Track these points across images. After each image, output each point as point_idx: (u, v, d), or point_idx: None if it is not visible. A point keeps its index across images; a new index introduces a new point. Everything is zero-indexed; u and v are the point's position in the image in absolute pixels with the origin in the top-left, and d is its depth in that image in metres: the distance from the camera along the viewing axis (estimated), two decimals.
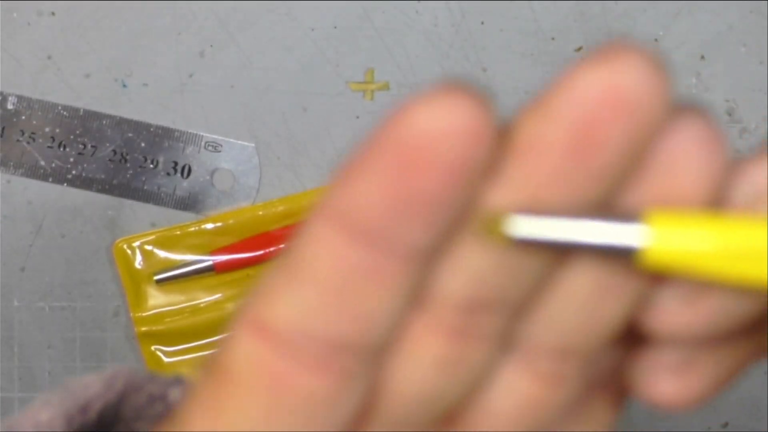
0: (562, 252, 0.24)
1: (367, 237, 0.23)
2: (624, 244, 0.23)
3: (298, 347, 0.25)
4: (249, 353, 0.25)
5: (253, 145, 0.70)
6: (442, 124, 0.22)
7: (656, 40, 0.70)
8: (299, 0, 0.70)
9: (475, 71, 0.68)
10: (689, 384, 0.27)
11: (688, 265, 0.23)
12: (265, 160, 0.70)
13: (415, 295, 0.25)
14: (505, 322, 0.25)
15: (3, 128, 0.70)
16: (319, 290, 0.24)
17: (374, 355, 0.25)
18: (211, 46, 0.70)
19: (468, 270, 0.24)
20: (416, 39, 0.69)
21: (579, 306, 0.25)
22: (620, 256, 0.24)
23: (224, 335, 0.26)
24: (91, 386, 0.33)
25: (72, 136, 0.70)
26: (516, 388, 0.26)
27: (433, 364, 0.25)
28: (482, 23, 0.69)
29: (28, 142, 0.70)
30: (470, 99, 0.23)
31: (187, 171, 0.70)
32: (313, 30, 0.70)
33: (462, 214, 0.24)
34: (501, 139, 0.23)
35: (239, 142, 0.70)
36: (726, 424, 0.69)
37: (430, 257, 0.24)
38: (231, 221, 0.70)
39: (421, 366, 0.25)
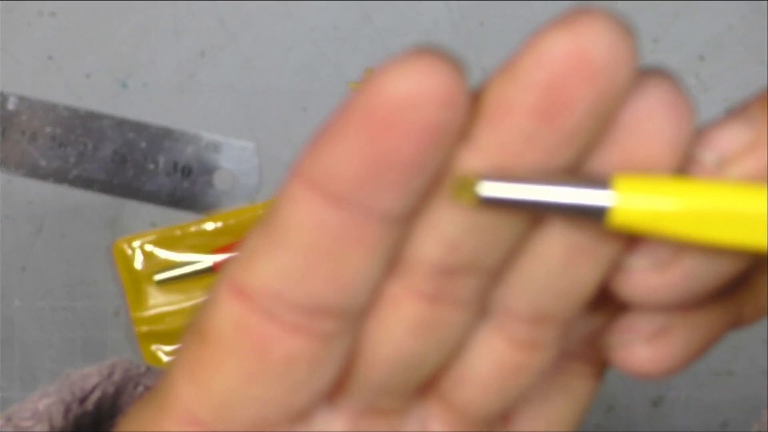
0: (533, 217, 0.25)
1: (343, 200, 0.24)
2: (591, 204, 0.24)
3: (277, 310, 0.25)
4: (230, 316, 0.25)
5: (253, 145, 0.70)
6: (415, 88, 0.23)
7: (656, 40, 0.70)
8: (299, 0, 0.70)
9: (475, 71, 0.68)
10: (663, 352, 0.27)
11: (652, 226, 0.24)
12: (265, 160, 0.70)
13: (393, 259, 0.25)
14: (481, 287, 0.26)
15: (4, 128, 0.70)
16: (296, 254, 0.24)
17: (354, 318, 0.25)
18: (211, 46, 0.70)
19: (442, 234, 0.25)
20: (416, 39, 0.69)
21: (552, 271, 0.25)
22: (589, 219, 0.24)
23: (205, 298, 0.26)
24: (89, 377, 0.33)
25: (73, 137, 0.70)
26: (493, 354, 0.27)
27: (410, 328, 0.26)
28: (482, 23, 0.69)
29: (28, 143, 0.70)
30: (443, 63, 0.23)
31: (187, 171, 0.70)
32: (313, 30, 0.70)
33: (436, 179, 0.24)
34: (473, 104, 0.24)
35: (239, 142, 0.70)
36: (725, 424, 0.69)
37: (406, 221, 0.24)
38: (231, 221, 0.70)
39: (397, 330, 0.26)
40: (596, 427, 0.69)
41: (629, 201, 0.24)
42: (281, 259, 0.25)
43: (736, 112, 0.25)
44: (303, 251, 0.24)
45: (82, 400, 0.33)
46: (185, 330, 0.27)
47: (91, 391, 0.33)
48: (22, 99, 0.70)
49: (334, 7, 0.70)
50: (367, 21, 0.70)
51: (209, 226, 0.70)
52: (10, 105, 0.70)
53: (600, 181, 0.24)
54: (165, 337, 0.70)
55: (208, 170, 0.70)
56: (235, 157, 0.70)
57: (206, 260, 0.70)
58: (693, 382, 0.69)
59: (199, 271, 0.70)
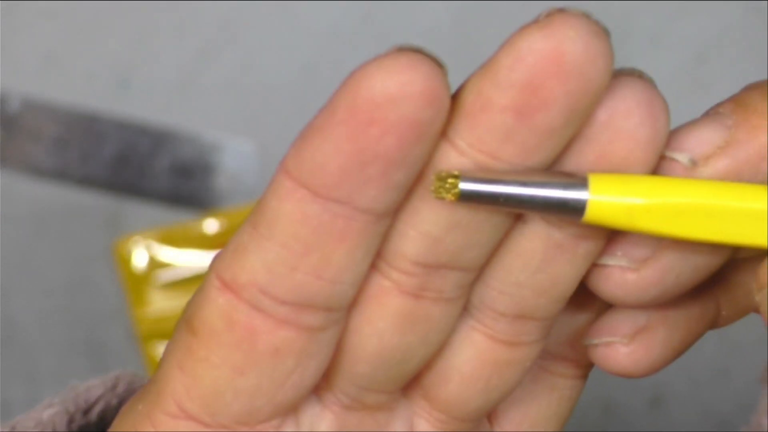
0: (514, 214, 0.26)
1: (327, 195, 0.25)
2: (567, 198, 0.25)
3: (264, 303, 0.26)
4: (219, 309, 0.26)
5: (253, 145, 0.70)
6: (395, 85, 0.24)
7: (656, 40, 0.70)
8: (299, 0, 0.70)
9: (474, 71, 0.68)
10: (643, 351, 0.28)
11: (626, 221, 0.25)
12: (266, 160, 0.70)
13: (377, 254, 0.26)
14: (464, 283, 0.26)
15: (5, 129, 0.70)
16: (282, 248, 0.25)
17: (340, 312, 0.26)
18: (212, 46, 0.70)
19: (424, 230, 0.25)
20: (416, 39, 0.69)
21: (532, 268, 0.26)
22: (566, 215, 0.25)
23: (195, 295, 0.27)
24: (93, 389, 0.34)
25: (74, 137, 0.70)
26: (476, 350, 0.28)
27: (395, 322, 0.26)
28: (482, 23, 0.69)
29: (30, 143, 0.70)
30: (423, 62, 0.24)
31: (187, 171, 0.70)
32: (313, 30, 0.70)
33: (418, 175, 0.25)
34: (454, 102, 0.25)
35: (239, 142, 0.70)
36: (723, 424, 0.69)
37: (389, 216, 0.25)
38: (231, 221, 0.70)
39: (382, 324, 0.27)
40: (595, 427, 0.70)
41: (603, 197, 0.25)
42: (267, 253, 0.25)
43: (709, 113, 0.26)
44: (289, 245, 0.25)
45: (86, 411, 0.33)
46: (177, 323, 0.28)
47: (95, 403, 0.34)
48: (23, 99, 0.70)
49: (334, 7, 0.70)
50: (367, 21, 0.70)
51: (209, 225, 0.70)
52: (12, 105, 0.70)
53: (576, 178, 0.25)
54: (165, 337, 0.70)
55: (209, 170, 0.70)
56: (235, 157, 0.70)
57: (206, 260, 0.70)
58: (691, 382, 0.70)
59: (199, 270, 0.70)
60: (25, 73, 0.70)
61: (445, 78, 0.24)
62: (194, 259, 0.70)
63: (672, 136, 0.26)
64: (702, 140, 0.26)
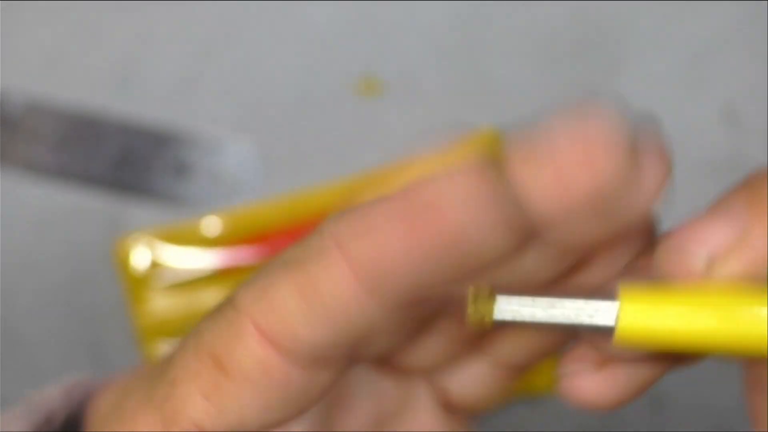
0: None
1: (370, 283, 0.26)
2: (599, 324, 0.26)
3: (300, 354, 0.27)
4: (259, 360, 0.27)
5: (253, 145, 0.70)
6: (457, 196, 0.25)
7: (656, 40, 0.70)
8: (299, 0, 0.70)
9: (474, 71, 0.68)
10: (608, 382, 0.29)
11: (656, 339, 0.26)
12: (267, 160, 0.70)
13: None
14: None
15: (5, 128, 0.70)
16: (321, 310, 0.27)
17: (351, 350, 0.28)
18: (212, 46, 0.70)
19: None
20: (416, 39, 0.69)
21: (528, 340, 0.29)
22: (598, 335, 0.27)
23: (221, 327, 0.28)
24: (51, 399, 0.34)
25: (73, 136, 0.70)
26: (477, 378, 0.31)
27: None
28: (482, 23, 0.70)
29: (29, 142, 0.70)
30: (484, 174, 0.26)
31: (187, 171, 0.70)
32: (313, 30, 0.70)
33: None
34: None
35: (240, 142, 0.70)
36: (724, 424, 0.69)
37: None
38: (232, 221, 0.70)
39: None
40: (595, 427, 0.70)
41: (635, 319, 0.26)
42: (307, 309, 0.27)
43: (720, 206, 0.27)
44: (326, 309, 0.27)
45: (49, 422, 0.34)
46: (190, 344, 0.28)
47: (56, 412, 0.34)
48: (23, 99, 0.70)
49: (334, 7, 0.70)
50: (367, 21, 0.70)
51: (209, 225, 0.70)
52: (12, 105, 0.70)
53: (607, 297, 0.26)
54: (165, 337, 0.70)
55: (209, 170, 0.70)
56: (235, 157, 0.70)
57: (207, 260, 0.70)
58: (691, 382, 0.70)
59: (200, 271, 0.70)
60: (26, 73, 0.70)
61: (506, 188, 0.26)
62: (194, 259, 0.70)
63: (688, 230, 0.26)
64: (717, 240, 0.26)
